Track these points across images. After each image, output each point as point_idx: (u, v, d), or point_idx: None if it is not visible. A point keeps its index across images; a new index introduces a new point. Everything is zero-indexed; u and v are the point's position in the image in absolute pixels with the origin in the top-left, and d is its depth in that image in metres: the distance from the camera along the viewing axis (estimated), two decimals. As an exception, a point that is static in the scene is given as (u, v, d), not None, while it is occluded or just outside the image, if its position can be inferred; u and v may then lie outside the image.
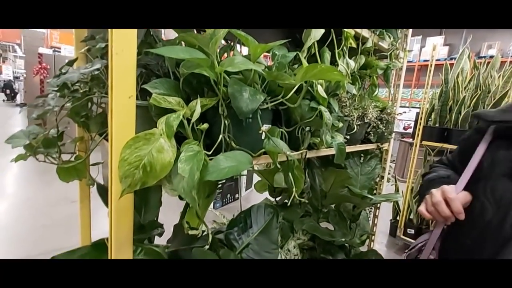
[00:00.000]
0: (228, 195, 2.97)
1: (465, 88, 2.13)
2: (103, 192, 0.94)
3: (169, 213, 1.01)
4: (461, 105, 2.07)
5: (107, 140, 0.75)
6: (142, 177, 0.48)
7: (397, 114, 1.33)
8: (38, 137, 0.59)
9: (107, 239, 0.73)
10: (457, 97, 2.10)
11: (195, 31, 0.89)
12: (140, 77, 0.62)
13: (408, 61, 8.37)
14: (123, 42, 0.43)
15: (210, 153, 0.53)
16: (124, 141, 0.45)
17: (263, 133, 0.59)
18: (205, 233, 0.89)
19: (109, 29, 0.43)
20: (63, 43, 6.77)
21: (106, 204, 0.88)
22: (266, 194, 1.64)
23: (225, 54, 0.75)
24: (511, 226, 0.48)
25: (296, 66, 0.88)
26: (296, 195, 0.70)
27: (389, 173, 1.65)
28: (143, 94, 0.61)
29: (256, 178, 3.31)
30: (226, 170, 0.47)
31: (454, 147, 2.09)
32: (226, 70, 0.51)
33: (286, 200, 1.59)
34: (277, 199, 1.59)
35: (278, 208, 1.47)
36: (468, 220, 0.54)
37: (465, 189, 0.58)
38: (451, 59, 6.87)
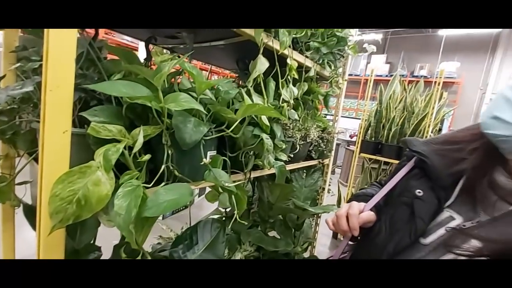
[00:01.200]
0: (180, 203, 2.90)
1: (395, 108, 2.45)
2: (30, 213, 0.85)
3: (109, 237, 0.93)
4: (391, 123, 2.38)
5: (36, 160, 0.70)
6: (76, 211, 0.47)
7: (336, 133, 1.49)
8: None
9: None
10: (389, 116, 2.41)
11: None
12: (79, 101, 0.60)
13: (356, 75, 9.27)
14: (59, 77, 0.42)
15: (150, 185, 0.54)
16: (56, 177, 0.44)
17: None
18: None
19: (43, 63, 0.42)
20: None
21: (34, 227, 0.81)
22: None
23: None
24: (388, 254, 0.51)
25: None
26: (238, 216, 0.75)
27: (329, 184, 1.81)
28: (81, 117, 0.59)
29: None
30: (165, 204, 0.49)
31: (385, 159, 2.40)
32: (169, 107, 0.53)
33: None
34: (227, 209, 1.62)
35: (227, 220, 1.50)
36: (365, 240, 0.59)
37: (376, 209, 0.60)
38: (391, 76, 7.80)
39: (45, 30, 0.42)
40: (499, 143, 0.44)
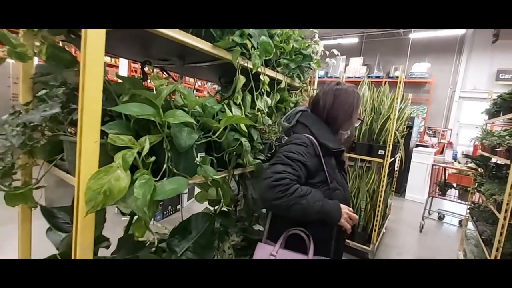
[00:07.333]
0: (170, 207, 3.02)
1: (365, 110, 2.72)
2: (47, 213, 1.00)
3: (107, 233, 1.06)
4: (361, 124, 2.64)
5: (56, 166, 0.85)
6: (103, 200, 0.64)
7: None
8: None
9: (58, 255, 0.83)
10: (359, 117, 2.67)
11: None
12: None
13: (335, 77, 9.67)
14: (92, 103, 0.59)
15: (157, 179, 0.72)
16: (89, 175, 0.61)
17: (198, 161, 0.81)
18: (149, 242, 1.05)
19: (79, 93, 0.59)
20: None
21: (51, 224, 0.96)
22: (206, 204, 1.83)
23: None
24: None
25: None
26: (224, 205, 0.93)
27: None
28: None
29: (197, 189, 3.41)
30: (169, 191, 0.67)
31: (357, 156, 2.67)
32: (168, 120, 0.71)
33: (224, 209, 1.81)
34: (216, 208, 1.80)
35: (216, 216, 1.68)
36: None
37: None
38: (369, 77, 8.24)
39: (81, 68, 0.59)
40: None
